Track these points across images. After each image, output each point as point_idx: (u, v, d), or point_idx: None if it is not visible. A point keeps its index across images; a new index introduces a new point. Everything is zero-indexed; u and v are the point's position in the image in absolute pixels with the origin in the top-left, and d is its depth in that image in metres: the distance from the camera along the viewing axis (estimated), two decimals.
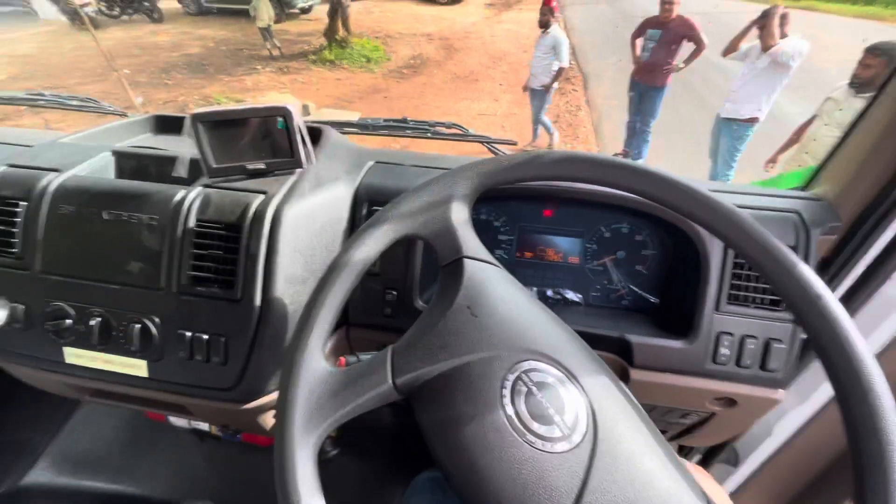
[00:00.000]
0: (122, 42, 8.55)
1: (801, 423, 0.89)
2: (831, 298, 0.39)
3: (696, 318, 0.70)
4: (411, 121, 1.03)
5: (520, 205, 0.82)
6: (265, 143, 0.71)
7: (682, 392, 0.73)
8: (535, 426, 0.41)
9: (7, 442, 1.32)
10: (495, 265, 0.51)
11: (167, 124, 0.97)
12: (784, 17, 2.87)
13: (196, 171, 0.71)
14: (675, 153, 4.63)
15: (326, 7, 8.18)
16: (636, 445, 0.41)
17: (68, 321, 0.69)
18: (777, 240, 0.41)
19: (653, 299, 0.81)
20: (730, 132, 3.32)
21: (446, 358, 0.44)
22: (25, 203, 0.69)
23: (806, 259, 0.68)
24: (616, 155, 0.56)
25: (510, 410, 0.41)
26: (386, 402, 0.45)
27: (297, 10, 10.72)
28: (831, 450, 0.86)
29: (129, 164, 0.81)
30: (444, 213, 0.49)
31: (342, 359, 0.52)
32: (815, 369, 0.80)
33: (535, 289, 0.85)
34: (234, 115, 0.67)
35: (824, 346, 0.38)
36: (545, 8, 3.91)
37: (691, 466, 0.72)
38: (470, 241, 0.50)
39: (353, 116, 1.06)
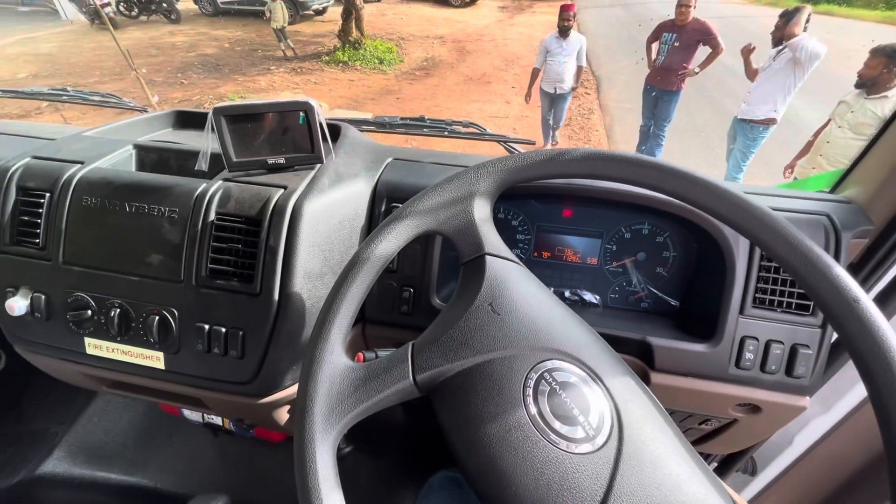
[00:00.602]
0: (139, 42, 8.70)
1: (823, 431, 0.87)
2: (869, 303, 0.38)
3: (719, 322, 0.68)
4: (428, 119, 1.03)
5: (538, 204, 0.81)
6: (286, 137, 0.71)
7: (704, 397, 0.71)
8: (558, 426, 0.40)
9: (24, 432, 1.34)
10: (517, 263, 0.50)
11: (188, 119, 0.98)
12: (808, 18, 2.89)
13: (217, 165, 0.72)
14: (689, 158, 4.58)
15: (340, 9, 8.24)
16: (663, 448, 0.40)
17: (89, 312, 0.69)
18: (813, 242, 0.40)
19: (673, 302, 0.80)
20: (744, 133, 3.32)
21: (468, 355, 0.44)
22: (49, 194, 0.70)
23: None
24: None
25: (533, 410, 0.41)
26: (406, 399, 0.45)
27: (311, 12, 10.82)
28: (854, 460, 0.84)
29: (151, 157, 0.82)
30: (467, 210, 0.49)
31: (360, 354, 0.52)
32: (840, 377, 0.78)
33: (551, 289, 0.84)
34: (256, 110, 0.68)
35: (861, 351, 0.37)
36: (568, 13, 3.86)
37: None
38: (492, 239, 0.50)
39: (366, 117, 1.07)
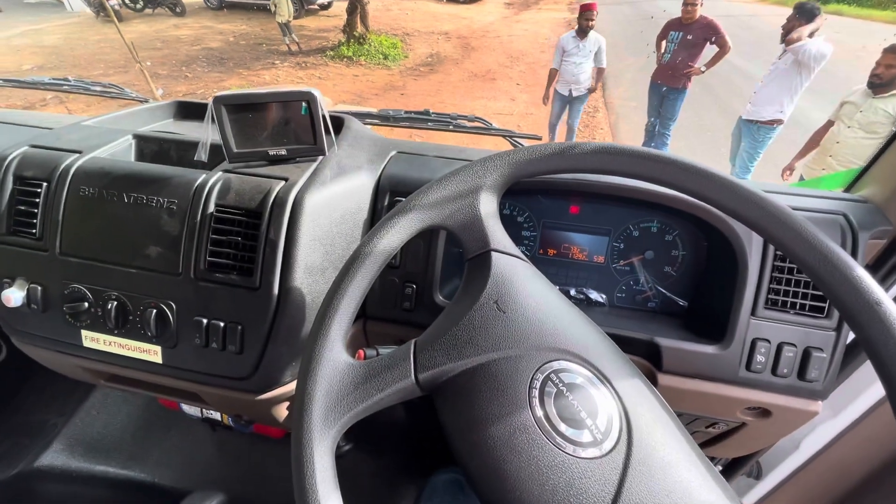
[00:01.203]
0: (144, 35, 8.70)
1: (831, 436, 0.86)
2: (892, 305, 0.36)
3: (730, 323, 0.66)
4: (433, 113, 1.02)
5: (545, 199, 0.79)
6: (287, 129, 0.69)
7: (713, 400, 0.70)
8: (564, 429, 0.39)
9: (22, 424, 1.33)
10: (523, 260, 0.49)
11: (189, 110, 0.96)
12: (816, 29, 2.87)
13: (217, 156, 0.70)
14: (694, 157, 4.52)
15: (345, 4, 8.21)
16: (673, 454, 0.39)
17: (85, 304, 0.68)
18: (832, 242, 0.39)
19: (681, 302, 0.78)
20: (750, 134, 3.29)
21: (472, 354, 0.43)
22: (46, 184, 0.69)
23: None
24: None
25: (539, 412, 0.39)
26: (407, 399, 0.44)
27: (316, 7, 10.82)
28: (862, 467, 0.83)
29: (150, 147, 0.81)
30: (472, 204, 0.48)
31: (361, 351, 0.50)
32: (850, 381, 0.76)
33: (557, 287, 0.82)
34: (258, 100, 0.66)
35: (883, 355, 0.36)
36: (591, 13, 3.79)
37: None
38: (498, 234, 0.48)
39: (370, 111, 1.05)
